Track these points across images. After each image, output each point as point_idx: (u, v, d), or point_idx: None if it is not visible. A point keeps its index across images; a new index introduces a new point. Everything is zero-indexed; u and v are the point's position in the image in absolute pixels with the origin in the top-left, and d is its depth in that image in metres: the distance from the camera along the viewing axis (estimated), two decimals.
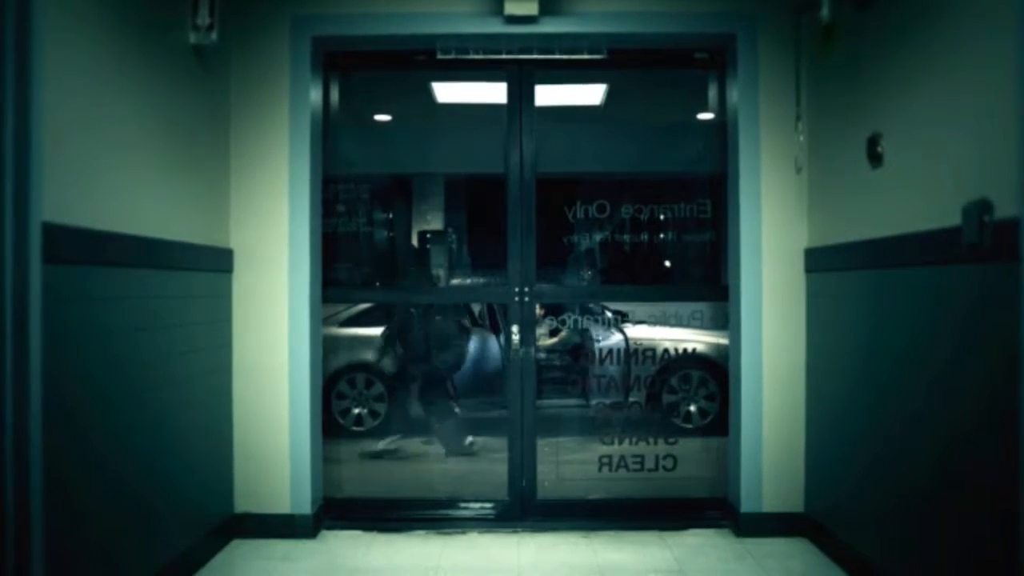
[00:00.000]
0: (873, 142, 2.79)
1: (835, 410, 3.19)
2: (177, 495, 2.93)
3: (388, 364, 5.42)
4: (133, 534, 2.61)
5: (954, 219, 2.27)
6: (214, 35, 3.00)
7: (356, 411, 6.01)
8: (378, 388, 6.01)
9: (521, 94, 3.80)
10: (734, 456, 3.59)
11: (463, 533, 3.56)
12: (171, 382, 2.87)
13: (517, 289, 3.86)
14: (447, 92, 4.47)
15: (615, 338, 6.00)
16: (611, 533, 3.54)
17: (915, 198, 2.56)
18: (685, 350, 5.99)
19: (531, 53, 3.66)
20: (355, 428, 5.96)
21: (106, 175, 2.43)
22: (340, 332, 6.07)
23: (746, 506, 3.48)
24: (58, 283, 2.14)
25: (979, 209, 2.15)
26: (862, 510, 2.93)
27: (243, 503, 3.45)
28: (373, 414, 6.03)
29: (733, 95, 3.58)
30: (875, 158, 2.78)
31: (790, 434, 3.47)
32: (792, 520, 3.44)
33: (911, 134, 2.60)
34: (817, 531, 3.32)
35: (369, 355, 6.05)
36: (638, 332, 6.12)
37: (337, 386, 6.00)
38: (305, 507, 3.46)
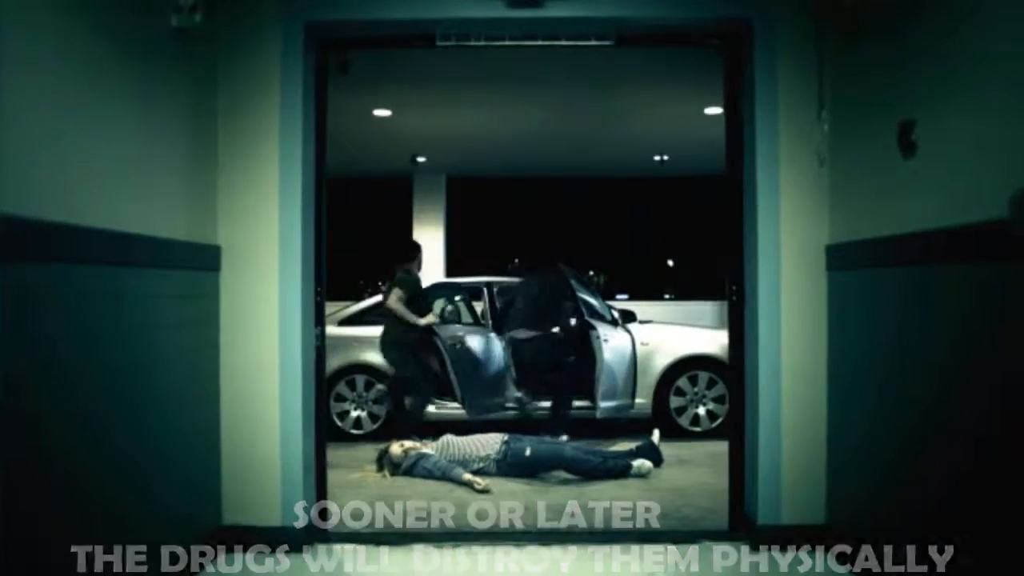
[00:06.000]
0: (905, 130, 2.59)
1: (861, 415, 2.99)
2: (160, 507, 2.74)
3: None
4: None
5: (999, 210, 2.07)
6: (198, 17, 2.81)
7: (355, 414, 5.83)
8: (377, 390, 5.83)
9: None
10: (751, 465, 3.38)
11: (464, 546, 3.36)
12: (152, 387, 2.69)
13: None
14: None
15: (621, 338, 5.80)
16: (621, 545, 3.34)
17: (953, 189, 2.36)
18: (695, 352, 5.80)
19: (535, 39, 3.47)
20: (354, 431, 5.79)
21: (76, 164, 2.25)
22: (338, 332, 5.89)
23: (763, 517, 3.28)
24: (18, 282, 1.95)
25: None
26: (888, 523, 2.74)
27: (231, 514, 3.26)
28: (372, 416, 5.85)
29: (749, 84, 3.38)
30: (907, 147, 2.59)
31: (810, 442, 3.27)
32: (812, 532, 3.24)
33: (949, 119, 2.40)
34: (839, 544, 3.12)
35: (369, 356, 5.87)
36: (646, 332, 5.94)
37: (335, 388, 5.82)
38: (297, 519, 3.27)
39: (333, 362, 5.78)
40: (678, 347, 5.86)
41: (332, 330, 5.86)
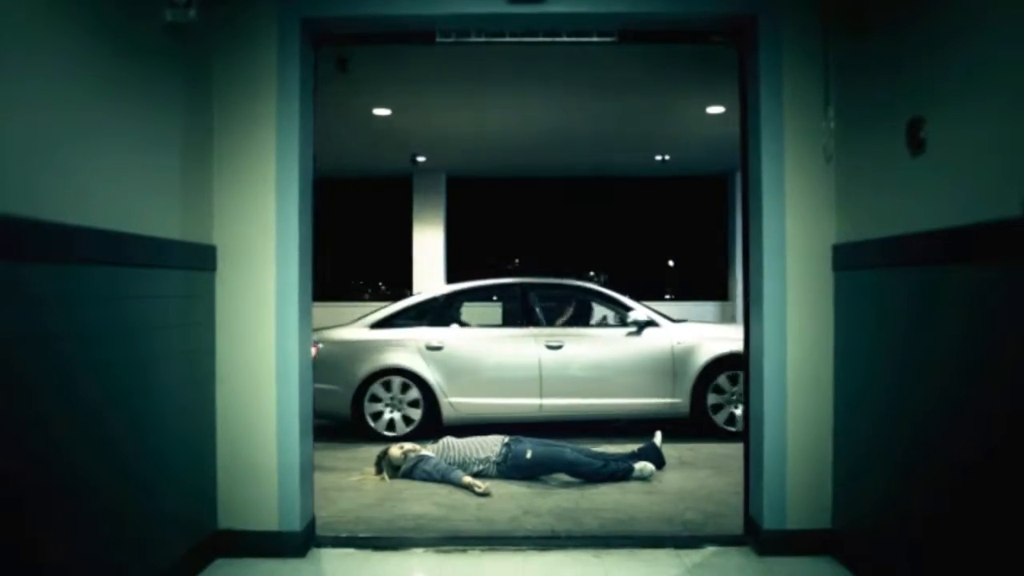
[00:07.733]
0: (914, 127, 2.54)
1: (866, 418, 2.94)
2: (154, 512, 2.69)
3: None
4: (104, 555, 2.37)
5: (1010, 209, 2.02)
6: (192, 12, 2.76)
7: (388, 416, 5.77)
8: (413, 393, 5.77)
9: None
10: (756, 468, 3.33)
11: (464, 551, 3.31)
12: (148, 388, 2.64)
13: None
14: None
15: (656, 337, 5.78)
16: (624, 551, 3.29)
17: (963, 187, 2.30)
18: (733, 350, 5.68)
19: (536, 36, 3.42)
20: (387, 433, 5.74)
21: (68, 163, 2.19)
22: (371, 336, 5.85)
23: (769, 522, 3.22)
24: (10, 281, 1.90)
25: None
26: (896, 528, 2.68)
27: (227, 519, 3.20)
28: (406, 419, 5.79)
29: (754, 80, 3.33)
30: (916, 144, 2.53)
31: (816, 444, 3.21)
32: (818, 537, 3.19)
33: (959, 116, 2.34)
34: (845, 549, 3.07)
35: (402, 359, 5.82)
36: (681, 332, 5.88)
37: (370, 389, 5.79)
38: (294, 523, 3.21)
39: (365, 366, 5.77)
40: (715, 346, 5.81)
41: (364, 333, 5.86)
